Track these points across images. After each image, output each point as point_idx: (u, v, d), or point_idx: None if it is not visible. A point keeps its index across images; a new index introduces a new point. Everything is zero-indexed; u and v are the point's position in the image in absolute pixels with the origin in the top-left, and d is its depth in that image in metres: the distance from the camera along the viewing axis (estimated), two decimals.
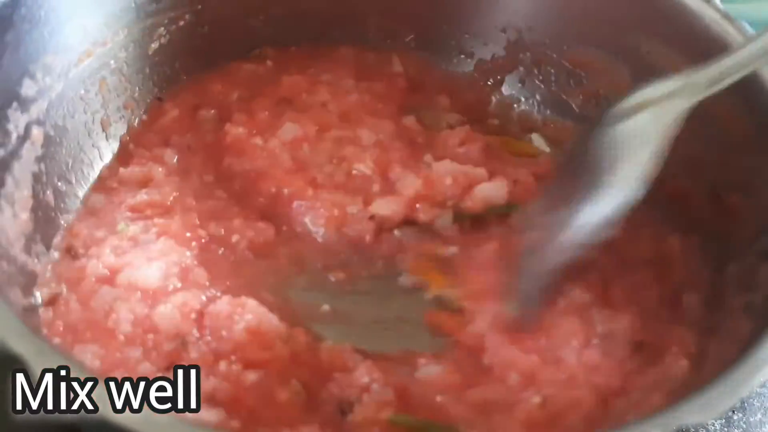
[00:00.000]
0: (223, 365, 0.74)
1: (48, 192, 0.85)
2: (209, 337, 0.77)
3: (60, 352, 0.62)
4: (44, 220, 0.83)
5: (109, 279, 0.79)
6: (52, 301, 0.79)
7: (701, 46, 0.86)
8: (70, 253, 0.83)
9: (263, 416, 0.72)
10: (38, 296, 0.79)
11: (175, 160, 0.92)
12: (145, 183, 0.89)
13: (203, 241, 0.86)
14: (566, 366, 0.77)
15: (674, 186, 0.89)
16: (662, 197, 0.90)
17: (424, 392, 0.76)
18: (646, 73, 0.91)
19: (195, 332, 0.77)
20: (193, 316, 0.78)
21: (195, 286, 0.80)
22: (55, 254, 0.83)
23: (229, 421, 0.70)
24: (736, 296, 0.77)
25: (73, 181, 0.89)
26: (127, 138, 0.94)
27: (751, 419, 0.83)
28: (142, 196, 0.87)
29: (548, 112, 1.02)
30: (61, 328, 0.77)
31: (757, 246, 0.77)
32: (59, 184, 0.87)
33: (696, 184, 0.87)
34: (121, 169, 0.91)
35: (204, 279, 0.82)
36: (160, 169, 0.90)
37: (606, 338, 0.79)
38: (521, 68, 1.03)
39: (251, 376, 0.73)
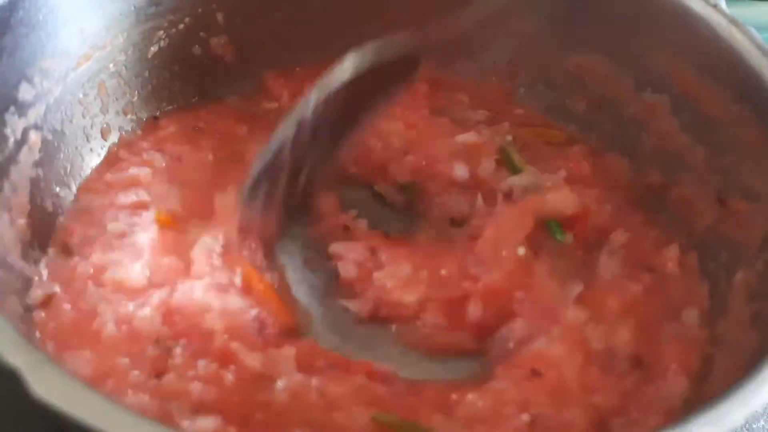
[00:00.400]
0: (201, 365, 0.72)
1: (46, 197, 0.84)
2: (184, 339, 0.74)
3: (55, 365, 0.60)
4: (41, 226, 0.83)
5: (94, 277, 0.79)
6: (46, 302, 0.78)
7: (708, 51, 0.85)
8: (64, 251, 0.82)
9: (254, 418, 0.70)
10: (33, 298, 0.78)
11: (163, 164, 0.91)
12: (134, 183, 0.88)
13: (191, 238, 0.84)
14: (561, 385, 0.74)
15: (678, 193, 0.89)
16: (666, 205, 0.90)
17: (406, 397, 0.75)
18: (650, 78, 0.91)
19: (168, 331, 0.75)
20: (162, 315, 0.76)
21: (171, 284, 0.78)
22: (52, 253, 0.82)
23: (225, 427, 0.68)
24: (743, 306, 0.76)
25: (72, 185, 0.88)
26: (117, 146, 0.93)
27: (755, 426, 0.83)
28: (132, 196, 0.87)
29: (551, 117, 1.01)
30: (54, 331, 0.75)
31: (766, 254, 0.77)
32: (57, 189, 0.86)
33: (701, 191, 0.86)
34: (108, 174, 0.90)
35: (184, 277, 0.80)
36: (147, 170, 0.90)
37: (604, 355, 0.77)
38: (524, 74, 1.02)
39: (229, 376, 0.71)
